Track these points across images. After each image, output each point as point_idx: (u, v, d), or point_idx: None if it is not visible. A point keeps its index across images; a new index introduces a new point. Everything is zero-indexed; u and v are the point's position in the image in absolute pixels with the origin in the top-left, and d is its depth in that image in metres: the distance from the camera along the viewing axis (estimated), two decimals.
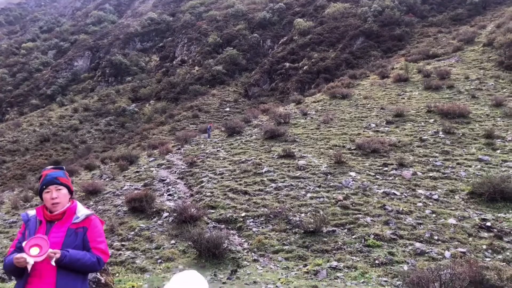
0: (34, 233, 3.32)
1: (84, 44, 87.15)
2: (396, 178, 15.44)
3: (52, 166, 3.64)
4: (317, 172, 16.50)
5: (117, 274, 9.95)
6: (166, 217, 14.11)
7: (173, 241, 12.26)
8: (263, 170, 17.36)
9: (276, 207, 13.39)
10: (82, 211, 3.50)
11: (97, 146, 50.34)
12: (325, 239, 11.21)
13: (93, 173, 25.23)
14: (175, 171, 20.22)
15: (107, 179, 21.49)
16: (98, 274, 7.09)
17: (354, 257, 10.18)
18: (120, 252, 11.66)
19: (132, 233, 13.07)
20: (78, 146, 52.73)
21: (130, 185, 19.02)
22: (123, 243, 12.33)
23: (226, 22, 74.82)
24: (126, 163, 23.60)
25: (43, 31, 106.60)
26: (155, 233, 12.96)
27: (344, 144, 20.01)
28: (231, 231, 12.61)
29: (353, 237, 11.18)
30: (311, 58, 54.73)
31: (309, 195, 14.35)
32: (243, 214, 13.44)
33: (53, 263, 3.13)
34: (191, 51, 72.42)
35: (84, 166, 29.29)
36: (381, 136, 20.33)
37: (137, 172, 21.45)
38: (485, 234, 11.04)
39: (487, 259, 9.85)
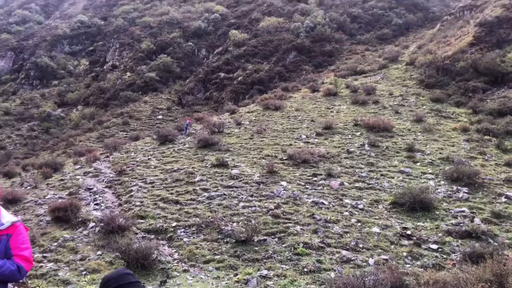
0: None
1: (6, 44, 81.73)
2: (325, 188, 15.97)
3: None
4: (249, 181, 16.65)
5: None
6: (92, 227, 13.52)
7: (99, 252, 11.77)
8: (196, 179, 17.21)
9: (208, 216, 13.32)
10: (7, 217, 3.31)
11: (18, 152, 47.20)
12: (256, 248, 11.30)
13: (12, 181, 23.64)
14: (103, 180, 19.49)
15: (29, 187, 20.23)
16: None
17: (284, 266, 10.35)
18: (41, 264, 10.98)
19: (55, 244, 12.38)
20: None
21: (54, 194, 18.03)
22: (44, 254, 11.63)
23: (160, 29, 73.72)
24: (50, 170, 22.36)
25: None
26: (80, 243, 12.37)
27: (276, 154, 20.38)
28: (161, 242, 12.34)
29: (283, 245, 11.38)
30: (246, 70, 55.36)
31: (241, 204, 14.43)
32: (174, 224, 13.22)
33: None
34: (123, 57, 70.46)
35: (3, 173, 27.35)
36: (311, 147, 20.95)
37: (62, 180, 20.40)
38: (406, 242, 11.71)
39: (407, 265, 10.44)
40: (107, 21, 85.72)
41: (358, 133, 23.38)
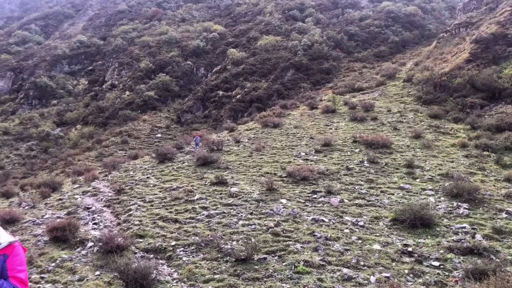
0: None
1: (6, 64, 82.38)
2: (325, 205, 15.88)
3: None
4: (249, 199, 16.57)
5: None
6: (90, 247, 13.39)
7: (97, 272, 11.63)
8: (195, 198, 17.13)
9: (208, 235, 13.20)
10: (4, 237, 3.26)
11: (16, 172, 47.09)
12: (256, 266, 11.18)
13: (11, 201, 23.49)
14: (102, 199, 19.38)
15: (27, 207, 20.09)
16: None
17: (284, 284, 10.22)
18: (39, 285, 10.83)
19: (53, 264, 12.23)
20: None
21: (52, 214, 17.90)
22: (42, 275, 11.48)
23: (159, 49, 74.39)
24: (48, 190, 22.24)
25: None
26: (78, 264, 12.23)
27: (276, 172, 20.33)
28: (160, 261, 12.20)
29: (284, 264, 11.25)
30: (244, 88, 55.71)
31: (241, 222, 14.32)
32: (173, 243, 13.09)
33: None
34: (122, 76, 70.90)
35: (1, 193, 27.16)
36: (310, 164, 20.92)
37: (60, 199, 20.28)
38: (407, 259, 11.59)
39: (409, 283, 10.31)
40: (106, 41, 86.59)
41: (357, 150, 23.38)
